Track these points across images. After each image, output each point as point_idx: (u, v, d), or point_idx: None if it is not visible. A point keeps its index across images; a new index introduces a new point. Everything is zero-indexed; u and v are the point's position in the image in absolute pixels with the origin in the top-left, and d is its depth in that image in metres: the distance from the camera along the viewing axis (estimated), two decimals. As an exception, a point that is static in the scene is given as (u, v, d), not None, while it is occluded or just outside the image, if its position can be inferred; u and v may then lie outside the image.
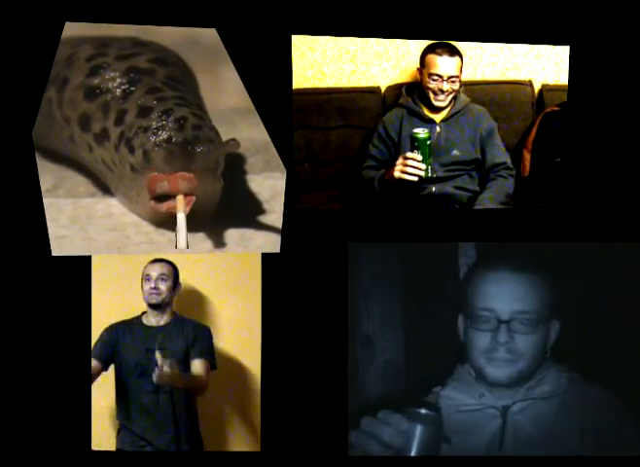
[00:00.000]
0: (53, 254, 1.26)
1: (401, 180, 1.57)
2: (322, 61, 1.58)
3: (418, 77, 1.61)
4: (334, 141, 1.62)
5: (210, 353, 1.51)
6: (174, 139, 1.19)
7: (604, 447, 1.41)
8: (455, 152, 1.62)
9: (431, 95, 1.60)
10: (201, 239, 1.27)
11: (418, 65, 1.60)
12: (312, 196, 1.59)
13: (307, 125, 1.59)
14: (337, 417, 1.47)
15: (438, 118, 1.63)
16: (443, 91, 1.59)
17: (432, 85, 1.60)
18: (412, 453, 1.26)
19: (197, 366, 1.49)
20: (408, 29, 1.52)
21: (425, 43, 1.56)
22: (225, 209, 1.28)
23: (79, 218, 1.27)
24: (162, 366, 1.43)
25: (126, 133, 1.22)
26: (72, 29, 1.39)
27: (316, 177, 1.61)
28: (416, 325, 1.54)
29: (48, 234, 1.25)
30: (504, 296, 1.38)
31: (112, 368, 1.49)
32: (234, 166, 1.35)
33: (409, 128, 1.60)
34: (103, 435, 1.48)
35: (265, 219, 1.31)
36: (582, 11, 1.50)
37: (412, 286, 1.53)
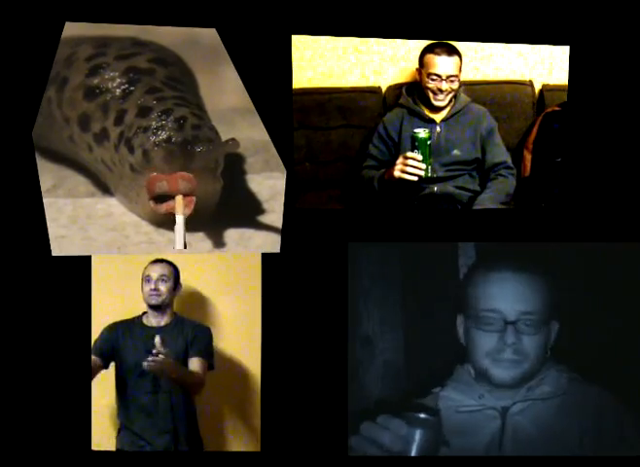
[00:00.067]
0: (54, 254, 1.26)
1: (401, 179, 1.57)
2: (322, 61, 1.58)
3: (418, 77, 1.61)
4: (334, 141, 1.62)
5: (208, 353, 1.51)
6: (174, 139, 1.19)
7: (604, 447, 1.41)
8: (456, 151, 1.62)
9: (430, 95, 1.60)
10: (201, 239, 1.27)
11: (417, 65, 1.60)
12: (313, 195, 1.59)
13: (308, 124, 1.59)
14: (337, 417, 1.47)
15: (438, 118, 1.63)
16: (442, 91, 1.59)
17: (431, 84, 1.60)
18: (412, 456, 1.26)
19: (195, 364, 1.49)
20: (409, 29, 1.52)
21: (425, 43, 1.56)
22: (224, 209, 1.28)
23: (78, 218, 1.27)
24: (158, 353, 1.43)
25: (126, 133, 1.22)
26: (72, 29, 1.38)
27: (317, 177, 1.61)
28: (416, 325, 1.53)
29: (48, 234, 1.25)
30: (507, 296, 1.38)
31: (112, 367, 1.49)
32: (234, 166, 1.35)
33: (410, 128, 1.60)
34: (103, 435, 1.48)
35: (264, 219, 1.31)
36: (582, 11, 1.50)
37: (412, 286, 1.53)
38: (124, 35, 1.38)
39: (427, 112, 1.62)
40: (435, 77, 1.58)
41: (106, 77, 1.27)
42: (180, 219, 1.19)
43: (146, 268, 1.49)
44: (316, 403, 1.48)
